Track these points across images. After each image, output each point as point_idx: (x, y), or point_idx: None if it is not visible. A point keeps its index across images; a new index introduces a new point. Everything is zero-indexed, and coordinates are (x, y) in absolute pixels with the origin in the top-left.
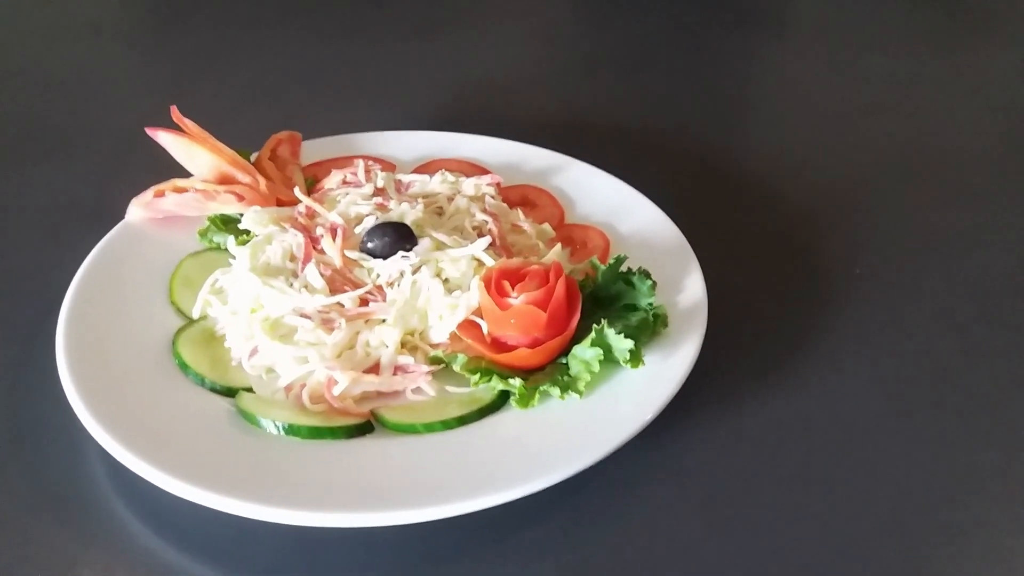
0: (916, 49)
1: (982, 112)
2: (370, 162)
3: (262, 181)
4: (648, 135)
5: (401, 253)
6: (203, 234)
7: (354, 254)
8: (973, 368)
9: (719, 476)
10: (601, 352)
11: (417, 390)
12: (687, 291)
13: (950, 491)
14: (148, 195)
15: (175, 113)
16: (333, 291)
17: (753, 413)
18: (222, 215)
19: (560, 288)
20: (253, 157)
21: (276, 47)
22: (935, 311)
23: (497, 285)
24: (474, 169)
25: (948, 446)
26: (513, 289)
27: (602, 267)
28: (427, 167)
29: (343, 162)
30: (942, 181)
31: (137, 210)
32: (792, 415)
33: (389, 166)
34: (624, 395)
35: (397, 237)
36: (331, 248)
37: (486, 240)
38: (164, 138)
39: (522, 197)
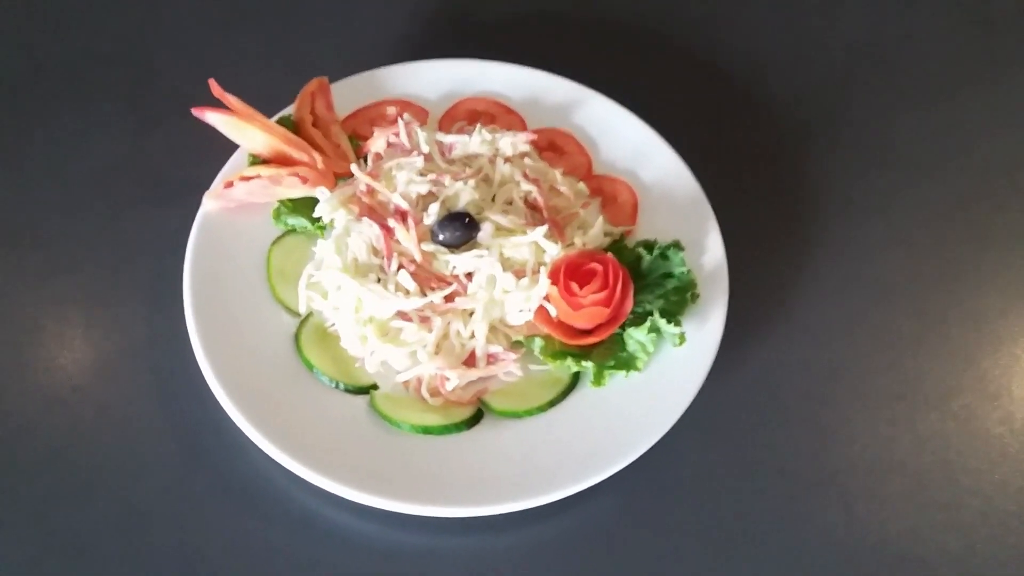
0: None
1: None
2: (405, 114)
3: (318, 158)
4: (627, 38)
5: (475, 252)
6: (277, 217)
7: (429, 247)
8: None
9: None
10: (655, 336)
11: (507, 372)
12: (708, 252)
13: None
14: (219, 186)
15: (216, 88)
16: (421, 285)
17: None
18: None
19: (620, 286)
20: (285, 113)
21: None
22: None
23: (566, 286)
24: (502, 110)
25: None
26: (581, 289)
27: (648, 256)
28: (455, 109)
29: (375, 110)
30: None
31: (211, 202)
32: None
33: (421, 112)
34: (673, 364)
35: (465, 227)
36: (407, 240)
37: (544, 228)
38: (213, 118)
39: (549, 142)
